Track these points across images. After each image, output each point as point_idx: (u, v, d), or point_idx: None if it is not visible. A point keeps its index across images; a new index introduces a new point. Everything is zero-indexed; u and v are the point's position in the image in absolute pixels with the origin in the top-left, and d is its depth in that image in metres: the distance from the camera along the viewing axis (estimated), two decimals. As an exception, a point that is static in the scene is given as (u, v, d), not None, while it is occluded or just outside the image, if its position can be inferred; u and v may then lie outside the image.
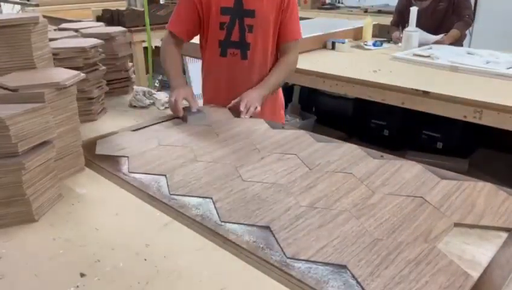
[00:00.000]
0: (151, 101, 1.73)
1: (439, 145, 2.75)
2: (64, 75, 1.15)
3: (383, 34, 3.43)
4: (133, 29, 3.45)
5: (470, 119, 1.91)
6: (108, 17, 3.61)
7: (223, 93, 1.71)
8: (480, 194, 1.01)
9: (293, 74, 1.81)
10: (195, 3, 1.61)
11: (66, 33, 1.70)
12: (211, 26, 1.64)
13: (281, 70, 1.71)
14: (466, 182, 1.06)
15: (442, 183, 1.06)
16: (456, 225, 0.91)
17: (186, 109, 1.53)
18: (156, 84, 4.21)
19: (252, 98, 1.56)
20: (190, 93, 1.56)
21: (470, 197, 1.00)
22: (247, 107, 1.53)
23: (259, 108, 1.55)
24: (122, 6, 4.33)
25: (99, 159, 1.25)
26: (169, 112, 1.65)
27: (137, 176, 1.15)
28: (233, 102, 1.59)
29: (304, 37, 1.89)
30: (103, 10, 3.78)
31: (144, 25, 3.38)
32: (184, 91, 1.55)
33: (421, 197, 1.00)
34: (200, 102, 1.72)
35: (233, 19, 1.61)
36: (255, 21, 1.62)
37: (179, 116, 1.51)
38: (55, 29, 1.83)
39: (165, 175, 1.13)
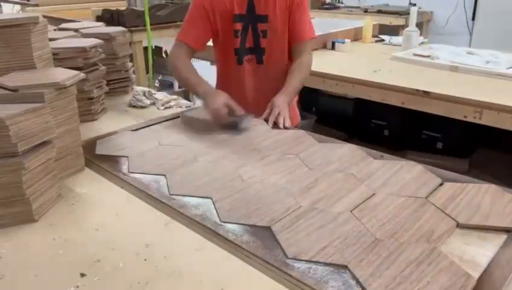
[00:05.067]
0: (151, 101, 1.73)
1: (439, 145, 2.75)
2: (64, 75, 1.15)
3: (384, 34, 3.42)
4: (133, 29, 3.44)
5: (470, 119, 1.90)
6: (108, 17, 3.60)
7: (244, 99, 1.62)
8: (485, 195, 1.01)
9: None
10: (207, 12, 1.59)
11: (66, 33, 1.70)
12: (225, 35, 1.63)
13: (300, 73, 1.67)
14: (470, 184, 1.06)
15: (447, 186, 1.06)
16: (462, 226, 0.91)
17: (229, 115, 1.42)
18: (156, 84, 4.21)
19: (282, 108, 1.49)
20: (228, 97, 1.45)
21: (475, 199, 1.00)
22: (282, 117, 1.46)
23: (288, 121, 1.48)
24: (122, 6, 4.32)
25: (99, 159, 1.25)
26: (169, 112, 1.65)
27: (137, 176, 1.15)
28: (265, 113, 1.52)
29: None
30: (103, 10, 3.77)
31: (144, 25, 3.37)
32: (222, 96, 1.44)
33: (425, 198, 1.00)
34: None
35: (246, 26, 1.62)
36: (268, 26, 1.62)
37: (223, 123, 1.41)
38: (55, 29, 1.83)
39: (165, 175, 1.13)
